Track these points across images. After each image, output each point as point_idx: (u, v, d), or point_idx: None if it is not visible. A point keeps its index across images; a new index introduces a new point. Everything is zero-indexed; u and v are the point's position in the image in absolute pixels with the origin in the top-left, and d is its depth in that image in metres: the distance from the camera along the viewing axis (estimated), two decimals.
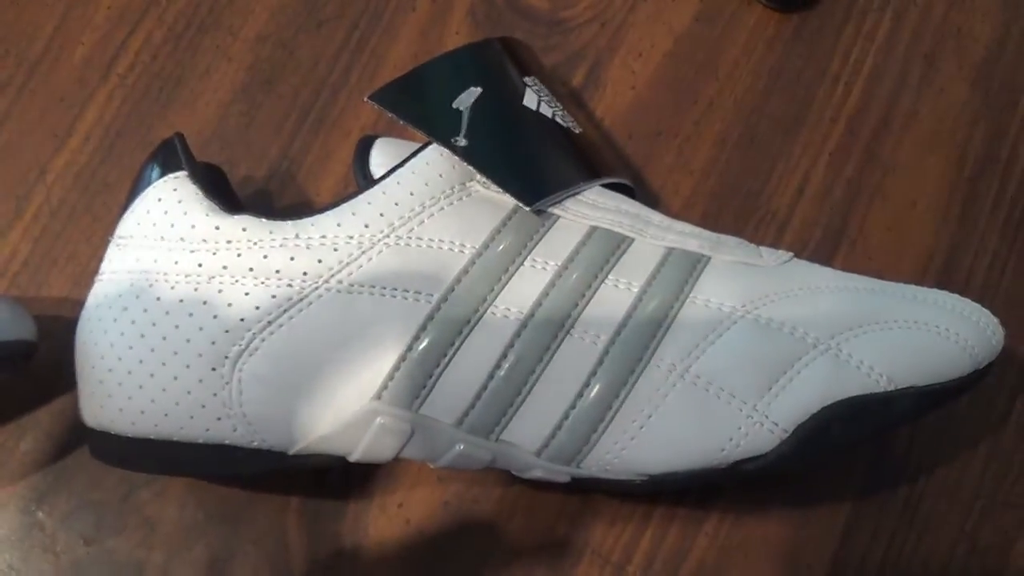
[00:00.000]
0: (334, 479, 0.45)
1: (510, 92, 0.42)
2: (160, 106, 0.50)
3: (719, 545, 0.44)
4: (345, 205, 0.39)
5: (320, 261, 0.38)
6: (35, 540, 0.44)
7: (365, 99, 0.41)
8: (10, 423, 0.46)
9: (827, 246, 0.48)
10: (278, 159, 0.48)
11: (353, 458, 0.40)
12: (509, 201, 0.39)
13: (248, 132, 0.48)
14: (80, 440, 0.45)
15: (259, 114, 0.49)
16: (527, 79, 0.43)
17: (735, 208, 0.48)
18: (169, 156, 0.41)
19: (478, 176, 0.40)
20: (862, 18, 0.52)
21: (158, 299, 0.39)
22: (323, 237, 0.38)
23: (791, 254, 0.41)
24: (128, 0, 0.51)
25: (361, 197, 0.39)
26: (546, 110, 0.42)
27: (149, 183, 0.41)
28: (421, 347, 0.37)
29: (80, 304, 0.40)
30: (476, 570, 0.44)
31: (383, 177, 0.40)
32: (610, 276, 0.39)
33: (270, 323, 0.38)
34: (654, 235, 0.40)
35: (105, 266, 0.41)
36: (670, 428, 0.38)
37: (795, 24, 0.52)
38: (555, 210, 0.40)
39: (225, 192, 0.43)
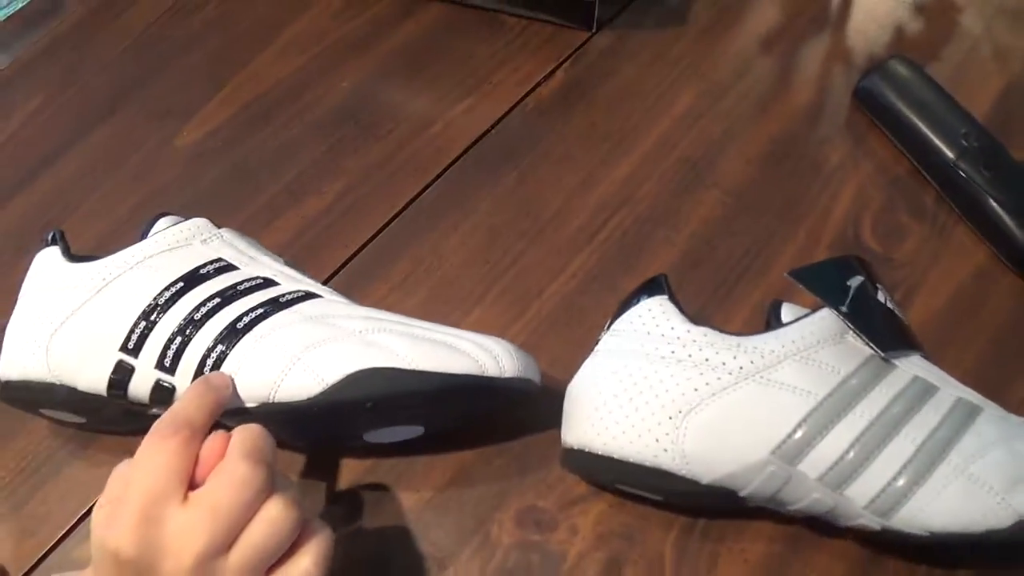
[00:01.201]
0: (699, 528, 0.66)
1: (872, 287, 0.66)
2: (622, 267, 0.75)
3: None
4: (771, 333, 0.62)
5: (752, 362, 0.61)
6: (487, 531, 0.67)
7: (785, 275, 0.65)
8: (495, 444, 0.69)
9: None
10: (697, 311, 0.72)
11: (743, 493, 0.61)
12: (867, 350, 0.62)
13: (680, 291, 0.72)
14: (541, 462, 0.68)
15: (688, 283, 0.73)
16: (877, 284, 0.66)
17: (986, 392, 0.68)
18: (654, 287, 0.65)
19: (851, 331, 0.63)
20: None
21: (640, 368, 0.62)
22: (754, 348, 0.61)
23: None
24: (611, 195, 0.78)
25: (779, 331, 0.62)
26: (889, 304, 0.66)
27: (639, 301, 0.65)
28: (805, 426, 0.59)
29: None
30: None
31: (792, 322, 0.63)
32: (925, 406, 0.60)
33: (713, 395, 0.61)
34: (950, 389, 0.62)
35: (601, 345, 0.64)
36: (951, 502, 0.58)
37: None
38: (895, 361, 0.62)
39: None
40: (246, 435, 0.56)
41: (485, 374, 0.62)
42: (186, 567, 0.52)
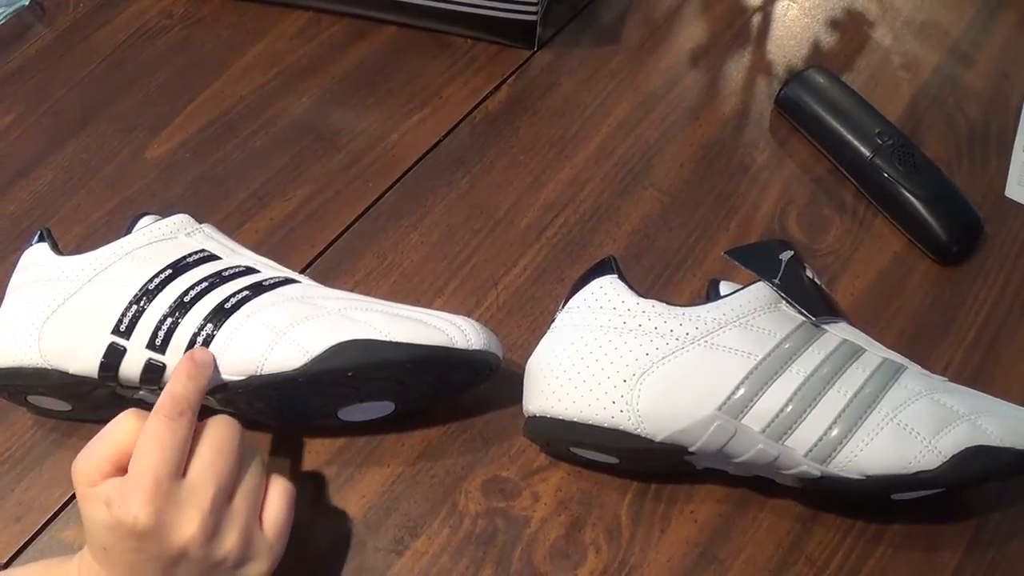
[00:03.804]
0: (652, 492, 0.72)
1: (801, 264, 0.72)
2: (570, 259, 0.81)
3: (890, 555, 0.70)
4: (712, 303, 0.68)
5: (697, 329, 0.67)
6: (456, 499, 0.71)
7: (722, 254, 0.72)
8: (459, 421, 0.74)
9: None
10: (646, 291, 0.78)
11: (694, 448, 0.67)
12: (799, 317, 0.69)
13: (628, 275, 0.78)
14: (503, 436, 0.73)
15: (631, 273, 0.76)
16: (805, 263, 0.73)
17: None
18: (603, 268, 0.71)
19: (784, 300, 0.69)
20: (987, 275, 0.83)
21: (595, 338, 0.68)
22: (698, 317, 0.67)
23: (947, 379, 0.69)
24: (557, 196, 0.85)
25: (720, 301, 0.68)
26: (817, 280, 0.73)
27: (590, 281, 0.71)
28: (747, 384, 0.65)
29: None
30: (738, 550, 0.70)
31: (730, 294, 0.70)
32: (854, 364, 0.66)
33: (663, 359, 0.66)
34: (876, 350, 0.68)
35: (557, 322, 0.70)
36: (882, 448, 0.64)
37: (948, 273, 0.83)
38: (825, 326, 0.69)
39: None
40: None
41: (454, 346, 0.67)
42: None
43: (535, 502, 0.71)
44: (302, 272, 0.79)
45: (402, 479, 0.72)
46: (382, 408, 0.72)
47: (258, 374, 0.66)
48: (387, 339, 0.66)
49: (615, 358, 0.67)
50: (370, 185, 0.85)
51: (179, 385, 0.61)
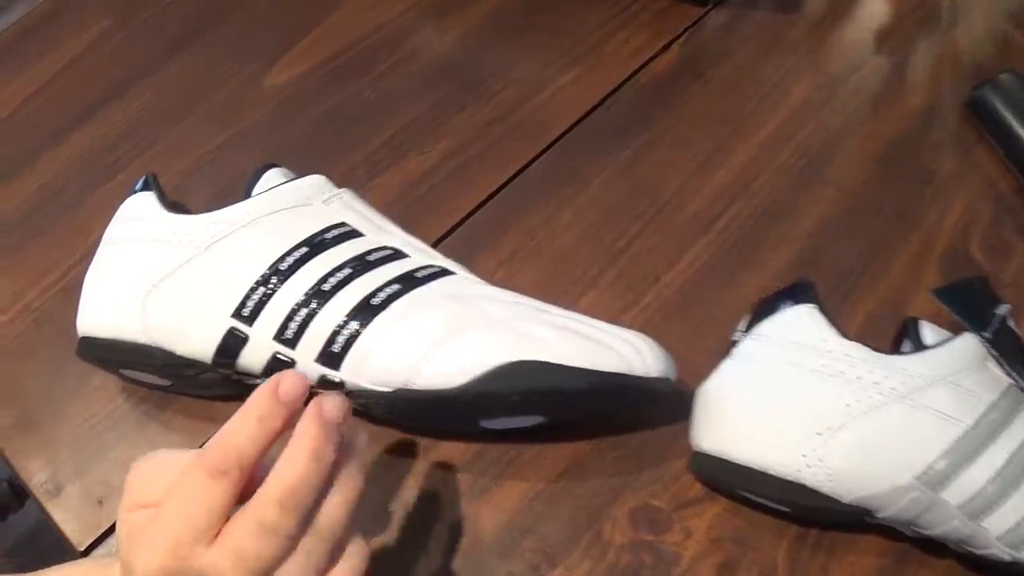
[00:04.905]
0: (811, 538, 0.66)
1: (1011, 318, 0.65)
2: (739, 259, 0.74)
3: None
4: (919, 355, 0.61)
5: (903, 383, 0.60)
6: (600, 527, 0.65)
7: (929, 292, 0.64)
8: (611, 437, 0.67)
9: None
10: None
11: (882, 515, 0.61)
12: (1004, 379, 0.61)
13: None
14: (658, 458, 0.67)
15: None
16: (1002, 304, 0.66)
17: None
18: (801, 293, 0.63)
19: (993, 358, 0.62)
20: None
21: (788, 378, 0.61)
22: (904, 369, 0.60)
23: None
24: (729, 183, 0.77)
25: (928, 353, 0.61)
26: (1017, 331, 0.65)
27: (785, 306, 0.63)
28: (952, 454, 0.59)
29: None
30: None
31: (937, 345, 0.62)
32: None
33: (864, 413, 0.59)
34: None
35: (742, 348, 0.63)
36: None
37: None
38: None
39: None
40: (285, 473, 0.49)
41: (633, 372, 0.60)
42: None
43: (686, 538, 0.65)
44: (439, 242, 0.72)
45: (542, 498, 0.65)
46: (531, 420, 0.65)
47: (407, 388, 0.59)
48: (560, 362, 0.59)
49: (809, 405, 0.60)
50: (518, 147, 0.76)
51: (238, 434, 0.48)
